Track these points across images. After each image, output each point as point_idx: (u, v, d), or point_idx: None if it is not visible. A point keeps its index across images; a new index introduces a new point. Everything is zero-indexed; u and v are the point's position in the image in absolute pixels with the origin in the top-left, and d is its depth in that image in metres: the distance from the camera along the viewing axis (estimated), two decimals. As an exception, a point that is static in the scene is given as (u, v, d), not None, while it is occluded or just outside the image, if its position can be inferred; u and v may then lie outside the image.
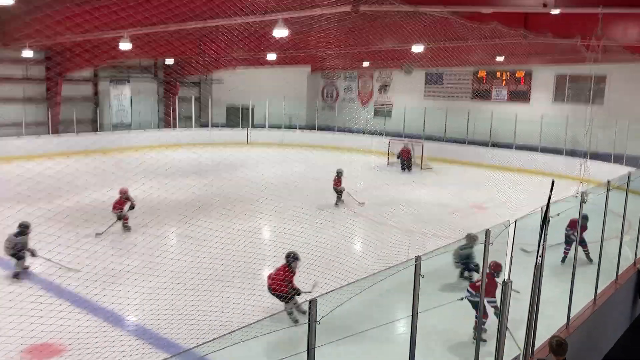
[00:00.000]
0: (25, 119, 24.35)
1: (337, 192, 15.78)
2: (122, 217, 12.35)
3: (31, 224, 9.82)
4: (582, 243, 10.36)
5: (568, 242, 10.70)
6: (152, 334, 7.36)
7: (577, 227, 8.32)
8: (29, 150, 21.59)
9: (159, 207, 13.54)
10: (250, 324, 4.05)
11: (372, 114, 31.25)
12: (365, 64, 26.25)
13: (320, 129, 30.52)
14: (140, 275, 9.10)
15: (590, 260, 10.14)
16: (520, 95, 26.21)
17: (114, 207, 12.44)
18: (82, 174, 14.65)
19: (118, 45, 18.45)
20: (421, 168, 23.44)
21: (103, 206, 12.78)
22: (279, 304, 8.35)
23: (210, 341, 3.77)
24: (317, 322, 4.11)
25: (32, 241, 9.24)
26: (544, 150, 23.31)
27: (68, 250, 9.63)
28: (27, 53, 21.65)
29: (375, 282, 5.01)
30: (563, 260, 10.82)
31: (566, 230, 10.60)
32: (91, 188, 13.54)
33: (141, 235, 11.40)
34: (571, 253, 9.09)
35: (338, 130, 30.30)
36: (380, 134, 27.09)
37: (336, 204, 15.61)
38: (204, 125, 31.25)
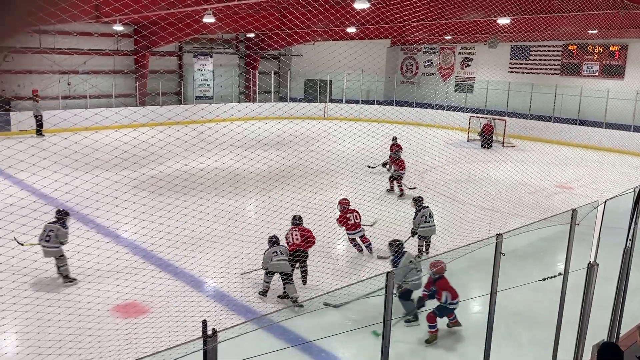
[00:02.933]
0: (114, 91, 25.63)
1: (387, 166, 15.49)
2: None
3: (107, 189, 10.33)
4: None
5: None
6: (230, 299, 7.61)
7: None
8: (118, 121, 22.72)
9: (240, 178, 13.89)
10: (327, 292, 4.13)
11: (453, 88, 30.39)
12: (448, 37, 25.47)
13: (399, 103, 30.08)
14: (220, 244, 9.42)
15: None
16: (614, 70, 24.55)
17: None
18: (167, 145, 15.21)
19: (202, 19, 18.89)
20: (503, 145, 22.63)
21: (185, 176, 13.26)
22: (354, 274, 8.37)
23: (285, 308, 3.86)
24: (395, 295, 4.09)
25: (120, 207, 9.70)
26: (638, 129, 21.84)
27: (154, 217, 10.10)
28: (117, 27, 22.63)
29: (454, 258, 4.91)
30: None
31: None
32: (174, 158, 14.05)
33: (222, 205, 11.74)
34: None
35: (417, 105, 29.73)
36: (460, 109, 26.34)
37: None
38: (283, 98, 31.60)
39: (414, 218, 10.12)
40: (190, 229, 9.88)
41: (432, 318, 6.90)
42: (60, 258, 8.51)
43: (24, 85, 23.68)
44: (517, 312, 7.51)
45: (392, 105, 29.96)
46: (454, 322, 7.18)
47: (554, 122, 24.65)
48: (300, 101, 30.75)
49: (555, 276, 5.94)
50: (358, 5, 13.76)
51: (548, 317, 6.86)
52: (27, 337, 6.49)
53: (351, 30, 23.36)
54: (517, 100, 25.93)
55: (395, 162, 14.84)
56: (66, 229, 8.68)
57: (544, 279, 6.93)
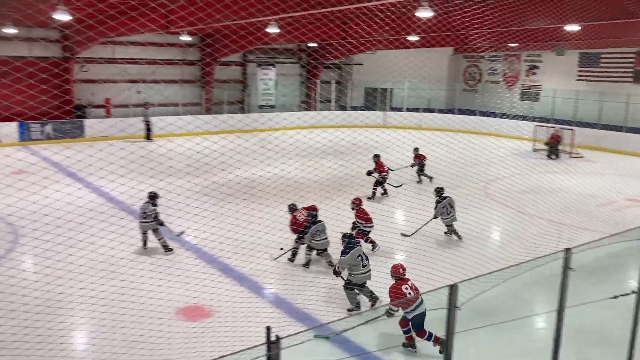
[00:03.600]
0: (182, 99, 26.54)
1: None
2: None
3: (180, 196, 10.68)
4: None
5: None
6: (291, 307, 7.71)
7: None
8: (185, 128, 23.49)
9: (300, 186, 14.07)
10: (383, 305, 4.12)
11: (518, 97, 29.64)
12: (513, 44, 24.89)
13: (461, 112, 29.61)
14: (280, 250, 9.57)
15: None
16: (694, 77, 23.26)
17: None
18: (231, 152, 15.62)
19: (266, 30, 19.28)
20: (570, 156, 21.84)
21: (246, 182, 13.56)
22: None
23: (343, 318, 3.90)
24: (458, 308, 4.04)
25: (190, 214, 10.01)
26: None
27: (220, 223, 10.39)
28: (185, 38, 23.44)
29: (520, 272, 4.81)
30: None
31: None
32: (236, 164, 14.40)
33: (282, 212, 11.92)
34: None
35: (480, 114, 29.17)
36: (526, 118, 25.64)
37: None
38: (343, 107, 31.74)
39: (435, 207, 10.94)
40: (255, 235, 10.09)
41: (404, 323, 6.63)
42: (156, 231, 9.92)
43: (97, 94, 24.85)
44: (585, 330, 7.24)
45: (454, 113, 29.52)
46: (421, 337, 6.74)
47: (625, 132, 23.58)
48: (360, 109, 30.80)
49: (629, 294, 5.70)
50: (421, 14, 13.69)
51: (619, 336, 6.59)
52: (103, 336, 6.82)
53: (413, 38, 23.23)
54: (585, 109, 24.98)
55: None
56: (155, 206, 10.09)
57: (616, 297, 6.66)
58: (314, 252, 9.39)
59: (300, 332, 6.53)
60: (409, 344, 6.72)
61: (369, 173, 14.59)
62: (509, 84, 30.49)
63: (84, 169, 13.52)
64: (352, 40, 24.00)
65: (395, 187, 14.58)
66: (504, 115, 27.91)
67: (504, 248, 9.93)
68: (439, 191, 11.15)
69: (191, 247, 10.17)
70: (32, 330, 6.38)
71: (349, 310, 7.70)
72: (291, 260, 9.55)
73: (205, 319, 7.28)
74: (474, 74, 32.30)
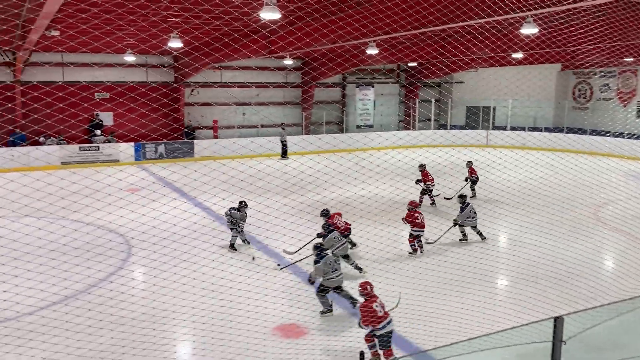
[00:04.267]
0: (283, 120, 27.40)
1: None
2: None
3: (277, 211, 10.95)
4: None
5: None
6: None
7: None
8: (290, 149, 24.18)
9: (397, 206, 13.96)
10: (489, 334, 3.97)
11: (635, 114, 27.63)
12: (629, 59, 23.34)
13: (570, 131, 28.08)
14: (379, 270, 9.53)
15: None
16: None
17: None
18: (329, 171, 15.87)
19: (365, 52, 19.50)
20: (696, 178, 19.97)
21: (347, 201, 13.68)
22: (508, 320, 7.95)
23: (447, 345, 3.81)
24: (563, 342, 3.83)
25: (283, 231, 10.26)
26: None
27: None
28: (287, 62, 24.24)
29: (636, 306, 4.46)
30: None
31: None
32: (337, 184, 14.58)
33: (380, 232, 11.89)
34: None
35: (591, 133, 27.49)
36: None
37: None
38: (443, 126, 31.22)
39: (461, 212, 11.70)
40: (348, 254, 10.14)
41: (369, 339, 6.67)
42: (234, 231, 11.16)
43: (206, 116, 26.27)
44: None
45: (563, 132, 28.05)
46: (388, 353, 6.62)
47: None
48: (461, 128, 30.13)
49: None
50: (526, 31, 13.24)
51: None
52: (202, 352, 7.12)
53: (517, 55, 22.46)
54: None
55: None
56: (238, 212, 11.22)
57: None
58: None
59: (396, 358, 6.46)
60: (375, 358, 6.72)
61: (417, 181, 15.27)
62: (624, 101, 28.53)
63: (194, 187, 14.28)
64: (451, 59, 23.65)
65: (447, 199, 15.29)
66: (618, 135, 26.12)
67: (618, 279, 9.23)
68: (463, 197, 12.01)
69: (287, 264, 10.38)
70: (138, 344, 6.79)
71: (322, 312, 8.12)
72: None
73: (300, 337, 7.38)
74: (584, 90, 30.56)
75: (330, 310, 8.20)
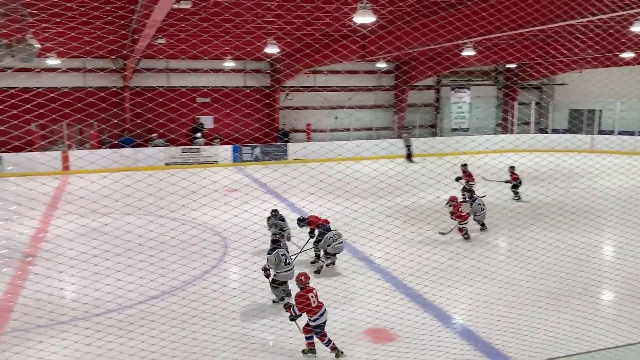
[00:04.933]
0: (374, 124, 27.35)
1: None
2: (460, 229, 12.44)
3: (365, 216, 10.88)
4: None
5: None
6: (479, 340, 7.39)
7: None
8: (376, 152, 24.12)
9: (494, 213, 13.49)
10: (589, 352, 3.72)
11: None
12: None
13: (689, 135, 25.85)
14: (470, 280, 9.26)
15: None
16: None
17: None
18: (420, 176, 15.63)
19: (460, 53, 19.03)
20: None
21: (436, 207, 13.42)
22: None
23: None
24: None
25: (374, 234, 10.22)
26: None
27: (405, 246, 10.44)
28: (380, 65, 24.19)
29: None
30: None
31: None
32: (427, 190, 14.34)
33: (474, 240, 11.56)
34: None
35: None
36: None
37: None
38: (543, 130, 29.80)
39: (471, 206, 12.26)
40: (439, 261, 9.95)
41: (307, 330, 6.93)
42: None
43: (300, 120, 26.79)
44: None
45: (680, 137, 25.88)
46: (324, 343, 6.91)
47: None
48: (563, 133, 28.60)
49: None
50: (637, 29, 12.36)
51: None
52: (289, 347, 7.25)
53: (627, 55, 20.99)
54: None
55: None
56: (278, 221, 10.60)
57: None
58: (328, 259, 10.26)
59: (330, 340, 6.25)
60: (309, 350, 6.96)
61: (457, 179, 15.17)
62: None
63: (286, 189, 14.59)
64: (553, 60, 22.52)
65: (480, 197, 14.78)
66: None
67: None
68: (471, 191, 13.03)
69: (378, 269, 10.34)
70: (229, 341, 7.02)
71: (274, 302, 8.50)
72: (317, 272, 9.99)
73: (389, 343, 7.32)
74: None
75: (283, 299, 8.40)
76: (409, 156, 24.89)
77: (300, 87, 26.15)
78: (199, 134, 24.42)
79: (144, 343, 6.70)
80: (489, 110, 30.21)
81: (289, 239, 10.88)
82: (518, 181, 15.88)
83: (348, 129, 27.05)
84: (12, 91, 16.78)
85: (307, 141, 26.22)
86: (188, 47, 18.27)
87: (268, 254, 8.51)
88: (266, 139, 25.29)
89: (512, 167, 15.90)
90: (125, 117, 23.59)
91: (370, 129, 27.46)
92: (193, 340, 6.99)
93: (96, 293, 8.21)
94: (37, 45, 12.38)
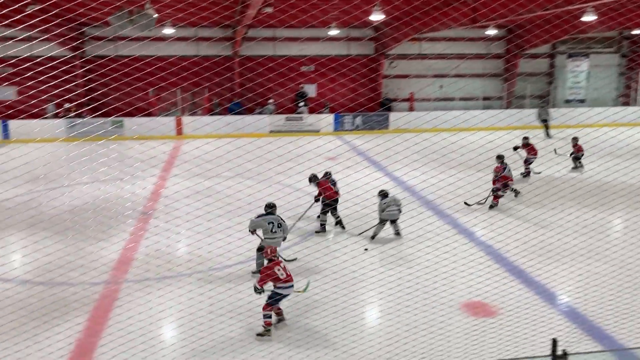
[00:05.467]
0: (483, 93, 26.33)
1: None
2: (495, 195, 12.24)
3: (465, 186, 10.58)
4: None
5: None
6: (586, 321, 7.05)
7: None
8: (482, 123, 23.25)
9: (606, 189, 12.65)
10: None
11: None
12: None
13: None
14: (579, 259, 8.81)
15: None
16: None
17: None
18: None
19: (579, 18, 17.72)
20: None
21: (540, 183, 12.79)
22: None
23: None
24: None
25: (476, 206, 9.96)
26: None
27: (509, 221, 10.11)
28: (490, 31, 23.09)
29: None
30: None
31: None
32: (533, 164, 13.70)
33: (584, 216, 10.94)
34: None
35: None
36: None
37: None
38: (672, 102, 27.24)
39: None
40: (545, 236, 9.54)
41: (267, 307, 6.71)
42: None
43: (403, 88, 26.37)
44: None
45: None
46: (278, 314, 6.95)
47: None
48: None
49: None
50: None
51: None
52: (388, 317, 7.33)
53: None
54: None
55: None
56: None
57: None
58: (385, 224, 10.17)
59: (592, 352, 5.97)
60: (267, 331, 6.64)
61: (515, 148, 14.51)
62: None
63: (386, 157, 14.55)
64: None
65: (536, 173, 14.68)
66: None
67: None
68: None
69: (479, 242, 10.10)
70: (331, 299, 7.22)
71: (253, 272, 8.37)
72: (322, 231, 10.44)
73: (488, 317, 7.18)
74: None
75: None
76: (547, 131, 22.52)
77: (405, 54, 25.64)
78: (302, 102, 24.80)
79: (245, 298, 7.08)
80: (610, 80, 27.99)
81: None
82: (580, 153, 15.59)
83: (453, 99, 26.26)
84: (132, 59, 17.90)
85: (410, 110, 25.80)
86: (294, 14, 18.46)
87: (256, 218, 8.41)
88: (368, 107, 25.20)
89: (576, 139, 15.51)
90: (235, 84, 24.44)
91: (476, 98, 26.48)
92: (292, 301, 7.27)
93: (204, 249, 8.73)
94: (155, 15, 13.06)
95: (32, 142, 17.72)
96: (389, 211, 10.05)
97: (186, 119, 23.17)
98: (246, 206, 9.47)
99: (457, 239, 10.13)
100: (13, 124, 21.66)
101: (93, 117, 21.70)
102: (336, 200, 10.59)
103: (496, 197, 12.16)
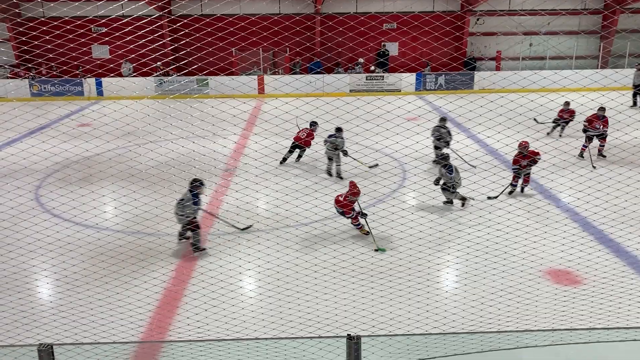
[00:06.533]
0: (576, 52, 24.71)
1: None
2: None
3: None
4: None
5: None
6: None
7: None
8: (581, 83, 21.91)
9: None
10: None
11: None
12: None
13: None
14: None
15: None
16: None
17: None
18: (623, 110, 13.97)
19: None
20: None
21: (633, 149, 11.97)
22: None
23: None
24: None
25: (564, 172, 9.47)
26: None
27: (598, 186, 9.57)
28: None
29: None
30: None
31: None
32: (624, 129, 12.80)
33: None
34: None
35: None
36: None
37: None
38: None
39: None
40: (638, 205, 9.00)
41: (355, 220, 8.35)
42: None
43: (490, 46, 25.23)
44: None
45: None
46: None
47: None
48: None
49: None
50: None
51: None
52: (466, 275, 7.23)
53: None
54: None
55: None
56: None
57: None
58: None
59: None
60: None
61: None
62: None
63: (469, 119, 14.06)
64: None
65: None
66: None
67: None
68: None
69: (566, 208, 9.67)
70: (396, 260, 7.21)
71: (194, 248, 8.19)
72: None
73: (574, 286, 6.93)
74: None
75: (199, 249, 8.18)
76: (635, 99, 20.14)
77: (493, 11, 24.41)
78: (383, 60, 24.35)
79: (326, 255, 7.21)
80: None
81: (345, 153, 11.37)
82: (567, 119, 14.59)
83: (543, 58, 24.84)
84: (215, 19, 18.18)
85: (497, 70, 24.70)
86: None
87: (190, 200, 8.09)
88: (452, 66, 24.37)
89: (567, 103, 14.39)
90: (315, 43, 24.35)
91: (569, 57, 24.90)
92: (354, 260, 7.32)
93: (283, 207, 8.92)
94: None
95: (123, 100, 18.61)
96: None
97: (267, 78, 23.43)
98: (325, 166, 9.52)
99: (541, 206, 9.76)
100: (106, 81, 22.79)
101: (179, 75, 22.41)
102: (298, 146, 12.14)
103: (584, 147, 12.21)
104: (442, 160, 9.82)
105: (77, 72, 23.09)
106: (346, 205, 8.23)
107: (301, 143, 12.17)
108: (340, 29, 22.49)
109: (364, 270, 7.23)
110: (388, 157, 12.68)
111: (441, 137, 12.18)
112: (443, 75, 23.76)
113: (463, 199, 9.78)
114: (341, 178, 11.19)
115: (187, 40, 19.39)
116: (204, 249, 8.24)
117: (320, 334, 5.20)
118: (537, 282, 7.00)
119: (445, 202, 9.92)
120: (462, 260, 7.67)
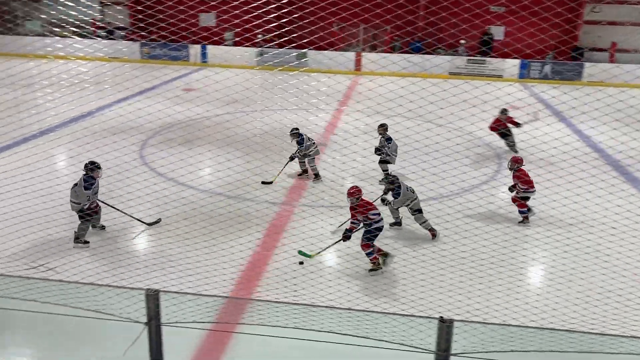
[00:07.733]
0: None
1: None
2: None
3: None
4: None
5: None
6: None
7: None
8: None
9: None
10: None
11: None
12: None
13: None
14: None
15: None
16: None
17: None
18: None
19: None
20: None
21: None
22: None
23: None
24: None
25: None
26: None
27: None
28: None
29: None
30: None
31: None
32: None
33: None
34: None
35: None
36: None
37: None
38: None
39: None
40: None
41: (366, 246, 6.79)
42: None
43: (604, 37, 23.68)
44: None
45: None
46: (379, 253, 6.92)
47: None
48: None
49: None
50: None
51: None
52: (563, 278, 7.02)
53: None
54: None
55: None
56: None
57: None
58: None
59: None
60: (376, 267, 6.78)
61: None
62: None
63: (576, 114, 13.47)
64: None
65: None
66: None
67: None
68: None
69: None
70: (479, 245, 7.10)
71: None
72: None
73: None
74: None
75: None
76: None
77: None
78: (488, 45, 23.51)
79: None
80: None
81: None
82: (503, 129, 11.98)
83: None
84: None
85: (610, 62, 23.19)
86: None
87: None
88: (561, 56, 23.15)
89: (504, 110, 11.87)
90: (418, 25, 23.91)
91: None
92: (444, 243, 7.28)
93: (374, 186, 8.99)
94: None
95: (228, 67, 19.24)
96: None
97: (366, 56, 23.33)
98: (423, 148, 9.45)
99: (636, 199, 9.25)
100: (211, 49, 23.59)
101: (286, 48, 22.73)
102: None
103: None
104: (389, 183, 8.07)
105: (185, 34, 23.87)
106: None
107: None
108: (445, 13, 21.93)
109: (465, 255, 7.16)
110: (485, 146, 12.39)
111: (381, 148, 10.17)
112: (549, 65, 22.65)
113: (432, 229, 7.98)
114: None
115: (290, 9, 19.66)
116: (87, 243, 7.31)
117: (412, 313, 5.27)
118: (633, 285, 6.68)
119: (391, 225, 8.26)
120: (570, 256, 7.39)
